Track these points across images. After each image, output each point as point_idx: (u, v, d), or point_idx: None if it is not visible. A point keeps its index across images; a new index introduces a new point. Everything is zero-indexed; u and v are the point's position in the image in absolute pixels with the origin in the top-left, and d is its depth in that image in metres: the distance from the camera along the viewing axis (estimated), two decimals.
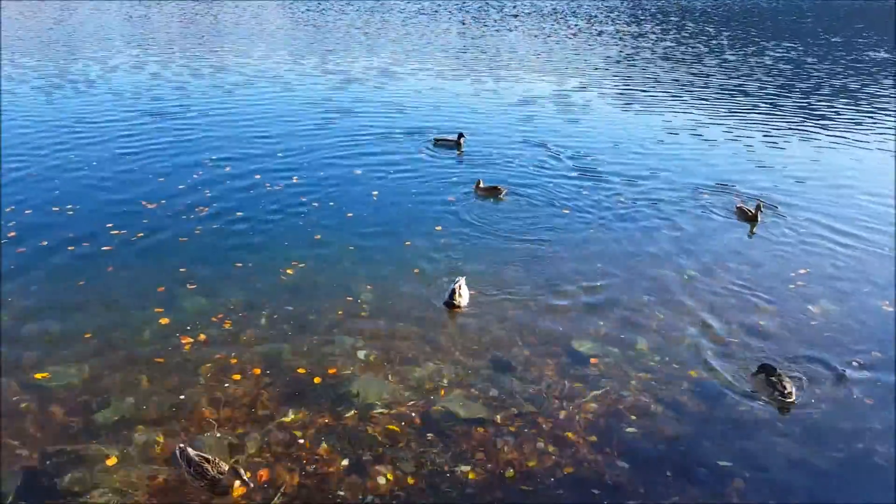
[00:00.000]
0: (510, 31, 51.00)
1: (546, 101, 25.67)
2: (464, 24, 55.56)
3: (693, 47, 43.31)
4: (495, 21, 57.47)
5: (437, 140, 18.67)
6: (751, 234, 12.91)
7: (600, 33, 50.22)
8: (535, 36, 47.87)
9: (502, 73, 32.03)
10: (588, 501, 6.64)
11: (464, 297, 9.97)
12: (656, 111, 24.51)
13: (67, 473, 6.74)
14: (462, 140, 18.27)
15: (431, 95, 26.26)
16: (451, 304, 9.90)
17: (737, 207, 13.92)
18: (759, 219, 13.17)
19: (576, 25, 55.75)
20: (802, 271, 11.60)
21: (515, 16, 62.15)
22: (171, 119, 20.93)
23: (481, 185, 14.95)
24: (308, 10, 60.64)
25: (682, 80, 31.29)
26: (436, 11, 63.50)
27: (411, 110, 23.37)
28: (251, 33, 46.09)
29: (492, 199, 14.60)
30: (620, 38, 47.37)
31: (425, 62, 34.38)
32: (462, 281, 10.19)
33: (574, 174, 16.62)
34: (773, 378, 8.16)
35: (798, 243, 12.76)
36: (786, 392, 7.98)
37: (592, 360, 8.87)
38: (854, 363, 8.97)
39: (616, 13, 67.65)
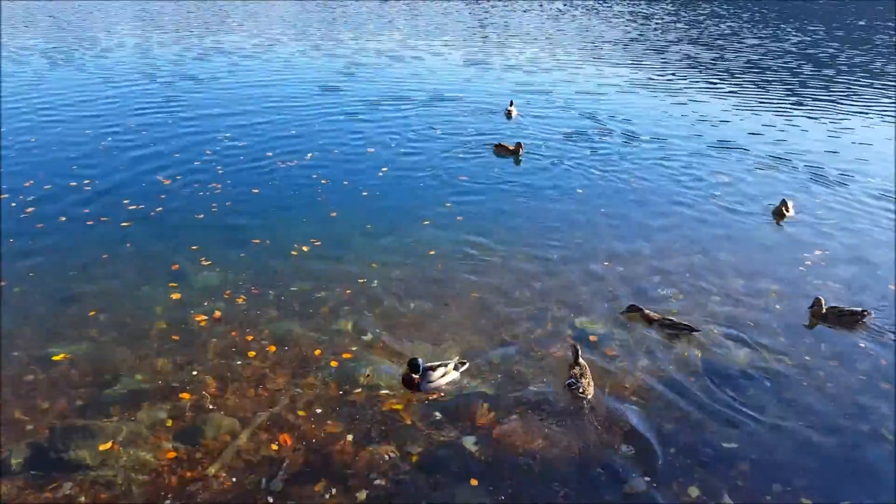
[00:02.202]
0: (518, 8, 50.31)
1: (566, 80, 25.43)
2: (477, 1, 54.85)
3: (709, 29, 42.51)
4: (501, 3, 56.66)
5: (497, 147, 16.59)
6: (778, 222, 12.67)
7: (616, 14, 49.42)
8: (546, 15, 47.20)
9: (512, 49, 31.71)
10: (593, 481, 6.66)
11: (437, 380, 7.79)
12: (670, 92, 24.18)
13: (75, 448, 6.85)
14: (521, 150, 16.15)
15: (442, 74, 26.10)
16: (410, 382, 7.77)
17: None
18: (785, 214, 12.79)
19: (585, 5, 54.87)
20: (818, 252, 11.51)
21: None
22: (183, 96, 20.99)
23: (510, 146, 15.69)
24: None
25: (707, 63, 30.78)
26: None
27: (423, 89, 23.23)
28: (262, 13, 45.90)
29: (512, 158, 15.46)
30: (633, 19, 46.57)
31: (435, 41, 34.10)
32: (451, 366, 7.94)
33: (600, 152, 16.57)
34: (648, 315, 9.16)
35: (822, 223, 12.70)
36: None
37: (595, 340, 8.88)
38: (861, 344, 8.95)
39: None
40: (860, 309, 9.41)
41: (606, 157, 16.17)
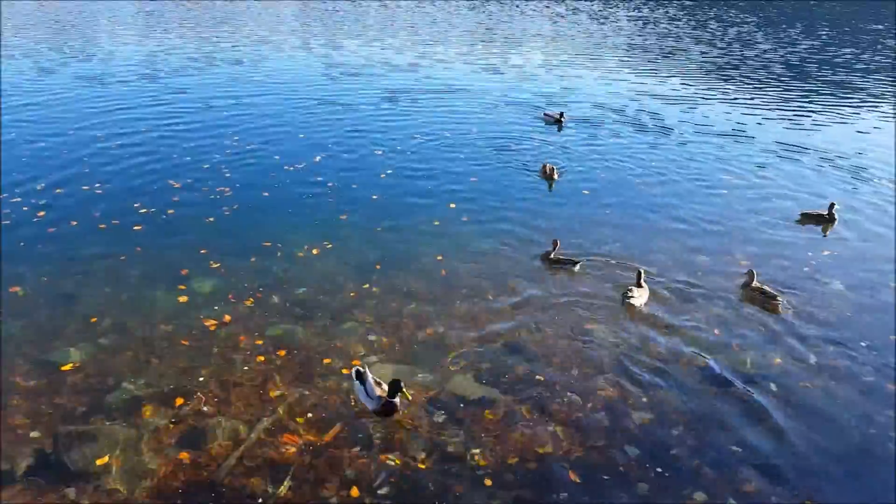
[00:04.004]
0: (518, 14, 50.22)
1: (575, 83, 25.41)
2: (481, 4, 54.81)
3: (718, 32, 42.31)
4: (504, 4, 56.56)
5: (545, 115, 19.68)
6: (825, 234, 12.43)
7: (621, 19, 49.26)
8: (551, 19, 47.12)
9: (518, 52, 31.68)
10: (598, 486, 6.67)
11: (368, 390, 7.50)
12: (682, 94, 24.09)
13: (78, 453, 6.85)
14: (563, 117, 19.12)
15: (450, 76, 26.12)
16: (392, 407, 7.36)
17: (801, 214, 12.98)
18: (835, 219, 12.61)
19: (591, 8, 54.72)
20: (826, 252, 11.49)
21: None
22: (191, 100, 21.06)
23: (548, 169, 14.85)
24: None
25: (721, 64, 30.64)
26: None
27: (431, 92, 23.24)
28: (267, 17, 46.07)
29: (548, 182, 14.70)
30: (637, 23, 46.41)
31: (442, 44, 34.13)
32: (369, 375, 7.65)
33: (609, 151, 16.59)
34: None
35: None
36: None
37: (604, 344, 8.87)
38: (863, 343, 8.92)
39: None
40: (774, 293, 9.70)
41: (617, 156, 16.14)
